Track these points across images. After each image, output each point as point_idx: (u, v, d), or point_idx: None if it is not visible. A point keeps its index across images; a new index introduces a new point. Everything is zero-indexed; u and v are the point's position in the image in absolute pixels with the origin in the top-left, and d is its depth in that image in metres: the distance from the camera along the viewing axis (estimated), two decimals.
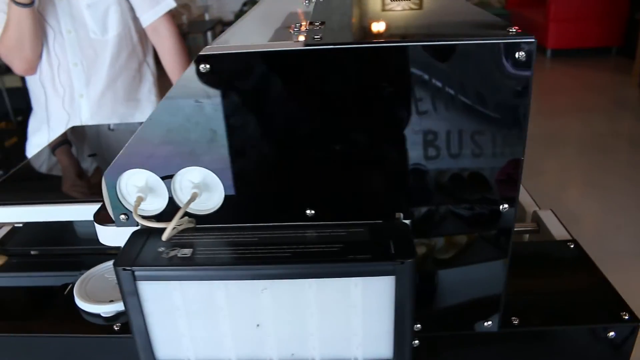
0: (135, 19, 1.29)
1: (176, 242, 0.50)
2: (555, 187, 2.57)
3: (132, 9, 1.27)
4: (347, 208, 0.51)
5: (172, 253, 0.48)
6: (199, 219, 0.52)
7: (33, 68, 1.22)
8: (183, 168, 0.50)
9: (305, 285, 0.47)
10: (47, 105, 1.29)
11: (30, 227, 0.78)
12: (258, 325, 0.49)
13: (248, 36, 0.55)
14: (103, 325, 0.58)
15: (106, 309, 0.59)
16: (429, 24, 0.54)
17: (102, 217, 0.55)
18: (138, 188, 0.51)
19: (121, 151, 0.49)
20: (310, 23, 0.53)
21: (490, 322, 0.56)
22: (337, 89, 0.46)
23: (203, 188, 0.50)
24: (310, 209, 0.50)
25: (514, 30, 0.46)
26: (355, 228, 0.50)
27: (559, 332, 0.57)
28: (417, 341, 0.56)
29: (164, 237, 0.47)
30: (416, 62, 0.45)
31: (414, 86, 0.46)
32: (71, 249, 0.75)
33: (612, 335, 0.56)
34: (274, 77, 0.46)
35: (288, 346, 0.50)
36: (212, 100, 0.47)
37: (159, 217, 0.52)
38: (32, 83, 1.29)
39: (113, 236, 0.54)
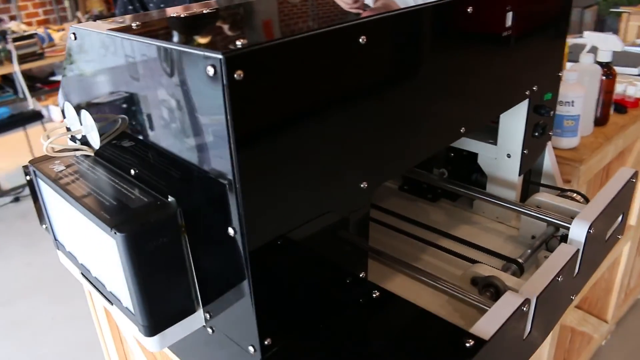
0: None
1: (70, 163, 0.67)
2: None
3: None
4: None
5: (59, 168, 0.66)
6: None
7: None
8: (83, 109, 0.66)
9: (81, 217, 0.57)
10: None
11: None
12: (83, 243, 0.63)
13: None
14: None
15: None
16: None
17: None
18: (72, 116, 0.69)
19: (60, 86, 0.69)
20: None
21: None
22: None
23: (91, 129, 0.65)
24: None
25: (240, 44, 0.43)
26: (143, 194, 0.56)
27: None
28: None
29: (44, 149, 0.65)
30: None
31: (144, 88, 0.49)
32: None
33: None
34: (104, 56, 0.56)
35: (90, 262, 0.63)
36: (86, 65, 0.61)
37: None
38: None
39: None
